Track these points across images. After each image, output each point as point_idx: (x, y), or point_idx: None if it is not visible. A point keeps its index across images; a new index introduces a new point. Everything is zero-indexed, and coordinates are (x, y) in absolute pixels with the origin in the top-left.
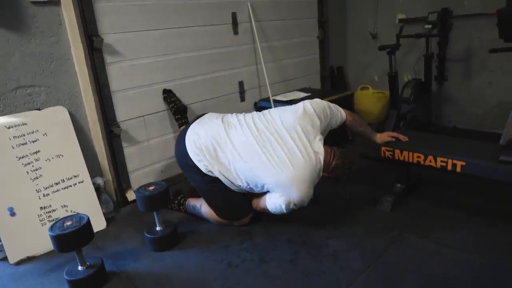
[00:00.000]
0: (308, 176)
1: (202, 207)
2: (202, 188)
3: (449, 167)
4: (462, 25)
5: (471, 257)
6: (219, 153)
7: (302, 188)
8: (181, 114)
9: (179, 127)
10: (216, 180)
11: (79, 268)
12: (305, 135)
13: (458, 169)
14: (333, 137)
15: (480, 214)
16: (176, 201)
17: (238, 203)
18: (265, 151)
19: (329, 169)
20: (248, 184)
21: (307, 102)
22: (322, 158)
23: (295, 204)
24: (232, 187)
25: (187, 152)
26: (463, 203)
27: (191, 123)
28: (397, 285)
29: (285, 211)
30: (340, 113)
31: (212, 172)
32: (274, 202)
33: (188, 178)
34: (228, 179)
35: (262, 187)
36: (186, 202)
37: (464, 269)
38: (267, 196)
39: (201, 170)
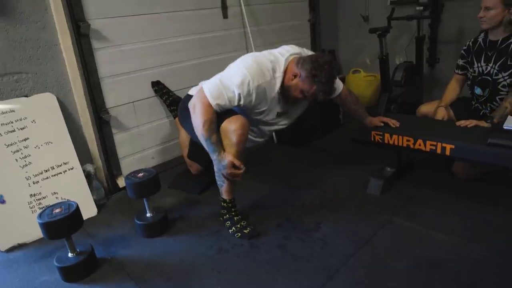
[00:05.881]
0: (255, 59)
1: None
2: None
3: (439, 150)
4: (454, 6)
5: (460, 241)
6: None
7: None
8: (177, 106)
9: (174, 118)
10: None
11: (69, 255)
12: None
13: (448, 152)
14: (324, 121)
15: (469, 198)
16: None
17: None
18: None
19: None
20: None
21: None
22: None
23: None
24: None
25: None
26: (453, 187)
27: None
28: (385, 269)
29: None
30: (338, 82)
31: None
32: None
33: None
34: None
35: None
36: None
37: (453, 253)
38: None
39: None
